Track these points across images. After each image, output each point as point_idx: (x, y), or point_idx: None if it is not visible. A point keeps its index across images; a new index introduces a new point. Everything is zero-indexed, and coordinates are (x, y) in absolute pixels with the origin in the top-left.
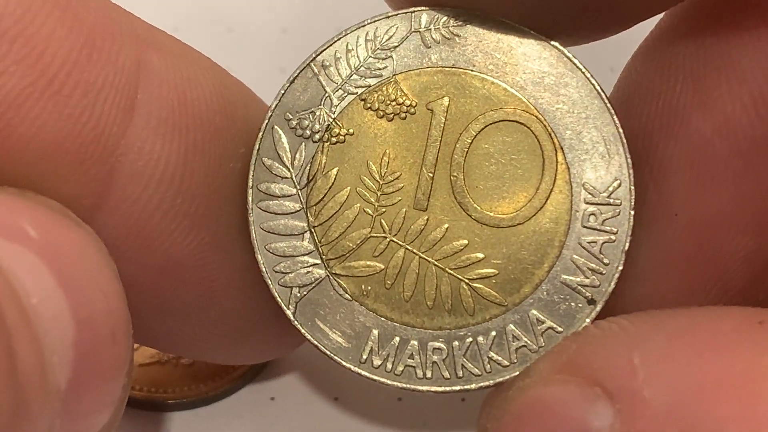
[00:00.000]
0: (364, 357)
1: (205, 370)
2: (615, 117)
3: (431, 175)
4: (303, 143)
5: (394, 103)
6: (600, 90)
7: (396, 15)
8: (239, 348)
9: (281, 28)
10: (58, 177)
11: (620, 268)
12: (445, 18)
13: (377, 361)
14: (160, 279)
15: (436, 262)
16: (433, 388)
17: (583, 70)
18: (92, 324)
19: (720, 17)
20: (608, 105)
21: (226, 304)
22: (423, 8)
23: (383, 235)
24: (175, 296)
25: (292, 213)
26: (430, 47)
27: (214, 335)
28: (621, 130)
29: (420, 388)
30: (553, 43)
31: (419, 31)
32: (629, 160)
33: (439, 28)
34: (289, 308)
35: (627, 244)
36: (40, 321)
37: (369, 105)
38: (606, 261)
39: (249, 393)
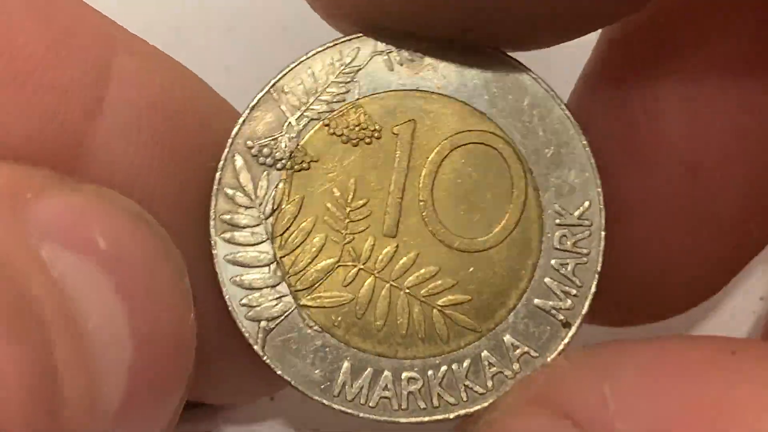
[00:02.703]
0: (337, 390)
1: None
2: (582, 137)
3: (399, 200)
4: (266, 171)
5: (358, 128)
6: (565, 109)
7: (358, 37)
8: (216, 388)
9: (281, 27)
10: None
11: (593, 289)
12: (410, 40)
13: (351, 394)
14: None
15: (407, 290)
16: (410, 420)
17: (547, 88)
18: (153, 343)
19: None
20: (574, 124)
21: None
22: (387, 31)
23: (352, 263)
24: None
25: (257, 243)
26: (393, 70)
27: None
28: (589, 150)
29: (397, 420)
30: (518, 62)
31: (382, 53)
32: (598, 180)
33: (403, 50)
34: (257, 342)
35: (599, 265)
36: (96, 347)
37: (333, 130)
38: (579, 283)
39: None
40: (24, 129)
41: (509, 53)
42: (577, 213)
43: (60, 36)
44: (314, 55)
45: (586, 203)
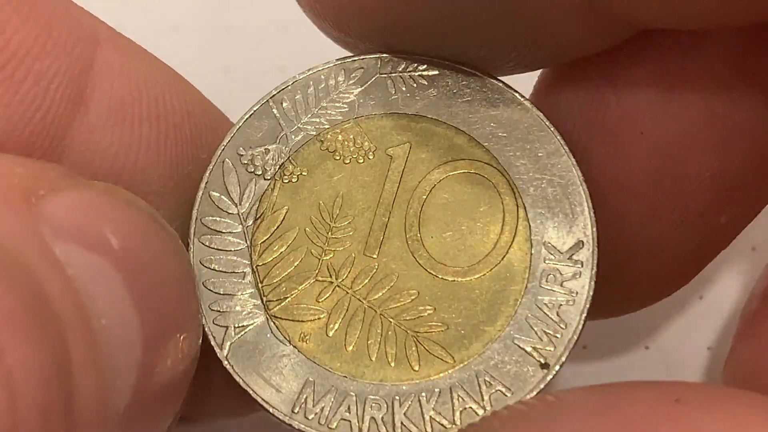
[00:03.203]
0: (297, 408)
1: None
2: (580, 175)
3: (385, 220)
4: (254, 180)
5: (352, 145)
6: (565, 148)
7: (362, 58)
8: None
9: (281, 26)
10: None
11: (578, 332)
12: (413, 64)
13: (311, 413)
14: None
15: (382, 312)
16: None
17: (548, 124)
18: (161, 342)
19: None
20: (573, 162)
21: None
22: (391, 55)
23: (329, 279)
24: None
25: (235, 250)
26: (393, 92)
27: None
28: (586, 189)
29: None
30: (522, 97)
31: (384, 75)
32: (593, 220)
33: (405, 73)
34: (222, 348)
35: (586, 308)
36: (107, 345)
37: (326, 146)
38: (563, 324)
39: None
40: (12, 118)
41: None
42: (568, 252)
43: (43, 28)
44: (316, 72)
45: (579, 244)
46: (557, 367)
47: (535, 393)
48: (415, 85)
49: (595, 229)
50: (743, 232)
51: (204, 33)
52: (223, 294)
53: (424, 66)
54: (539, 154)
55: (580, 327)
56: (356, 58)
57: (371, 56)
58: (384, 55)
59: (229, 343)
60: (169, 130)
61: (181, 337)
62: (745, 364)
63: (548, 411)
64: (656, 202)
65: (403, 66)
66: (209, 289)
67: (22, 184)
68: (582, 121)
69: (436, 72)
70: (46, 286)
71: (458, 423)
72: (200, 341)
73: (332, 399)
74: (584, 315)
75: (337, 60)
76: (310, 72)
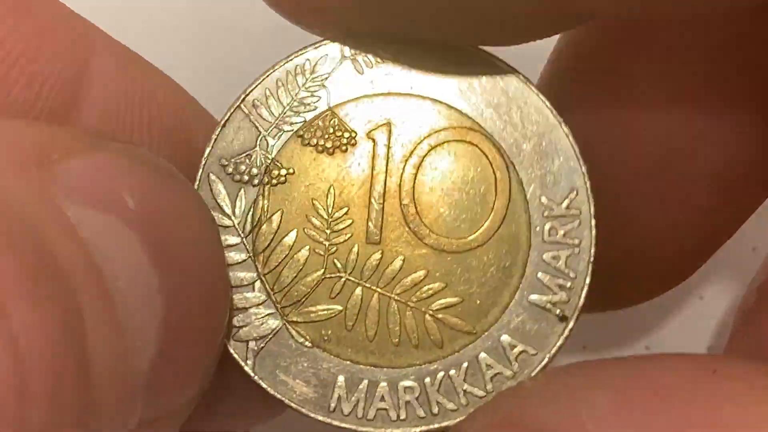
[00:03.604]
0: (333, 405)
1: None
2: (564, 126)
3: (381, 206)
4: (242, 188)
5: (333, 135)
6: (545, 100)
7: (325, 43)
8: (212, 413)
9: (281, 26)
10: None
11: (588, 280)
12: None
13: (347, 408)
14: None
15: (396, 297)
16: (410, 430)
17: (523, 79)
18: (184, 299)
19: None
20: (555, 114)
21: None
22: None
23: (338, 274)
24: None
25: (239, 263)
26: (363, 73)
27: None
28: (572, 139)
29: (395, 431)
30: (491, 54)
31: (351, 58)
32: (584, 168)
33: (371, 53)
34: (247, 363)
35: (592, 255)
36: (125, 306)
37: (307, 141)
38: (572, 274)
39: None
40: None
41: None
42: (564, 203)
43: (39, 31)
44: (281, 65)
45: (573, 192)
46: (575, 318)
47: (557, 347)
48: (381, 61)
49: (586, 176)
50: (744, 232)
51: (204, 33)
52: (236, 309)
53: (393, 44)
54: (521, 112)
55: (589, 274)
56: (318, 44)
57: (341, 41)
58: (354, 35)
59: (252, 357)
60: (162, 135)
61: (208, 295)
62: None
63: (584, 381)
64: (658, 197)
65: (371, 46)
66: None
67: (34, 148)
68: (583, 120)
69: (405, 48)
70: (56, 249)
71: (491, 390)
72: (230, 300)
73: (365, 391)
74: (591, 261)
75: (299, 50)
76: (274, 68)
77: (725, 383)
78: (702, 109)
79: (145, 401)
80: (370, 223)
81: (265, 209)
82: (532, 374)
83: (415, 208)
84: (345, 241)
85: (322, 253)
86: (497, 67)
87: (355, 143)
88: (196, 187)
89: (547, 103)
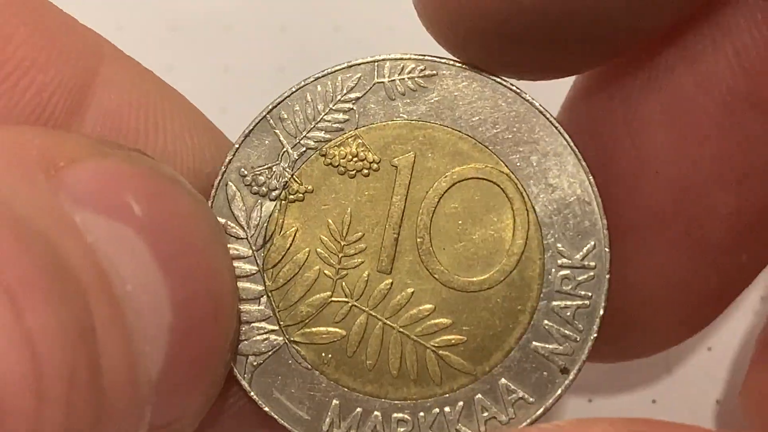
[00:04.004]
0: (325, 429)
1: None
2: (590, 176)
3: (396, 236)
4: (259, 201)
5: (356, 158)
6: (573, 146)
7: (359, 64)
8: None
9: (280, 26)
10: None
11: (594, 335)
12: (411, 67)
13: None
14: None
15: (400, 329)
16: None
17: (556, 125)
18: (192, 306)
19: None
20: (583, 163)
21: None
22: (387, 57)
23: (344, 299)
24: None
25: (247, 276)
26: (394, 99)
27: None
28: (596, 190)
29: None
30: (525, 95)
31: (383, 82)
32: (604, 221)
33: (404, 78)
34: (244, 377)
35: (602, 310)
36: (133, 310)
37: (330, 161)
38: (580, 327)
39: None
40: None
41: (512, 83)
42: (580, 255)
43: (49, 40)
44: (312, 82)
45: (591, 244)
46: (576, 371)
47: (555, 398)
48: (414, 89)
49: (606, 230)
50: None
51: (204, 33)
52: (240, 322)
53: (422, 67)
54: (546, 156)
55: (596, 330)
56: (352, 64)
57: (366, 61)
58: (380, 58)
59: (250, 372)
60: (167, 144)
61: (216, 301)
62: (761, 388)
63: None
64: (674, 242)
65: (399, 70)
66: None
67: (41, 154)
68: (597, 162)
69: (434, 72)
70: (65, 253)
71: None
72: (237, 314)
73: (358, 419)
74: (600, 317)
75: (332, 68)
76: (306, 82)
77: None
78: (714, 150)
79: (155, 408)
80: (382, 252)
81: (280, 225)
82: (527, 422)
83: (430, 241)
84: (356, 266)
85: (332, 276)
86: (530, 108)
87: (378, 169)
88: (212, 194)
89: (577, 151)
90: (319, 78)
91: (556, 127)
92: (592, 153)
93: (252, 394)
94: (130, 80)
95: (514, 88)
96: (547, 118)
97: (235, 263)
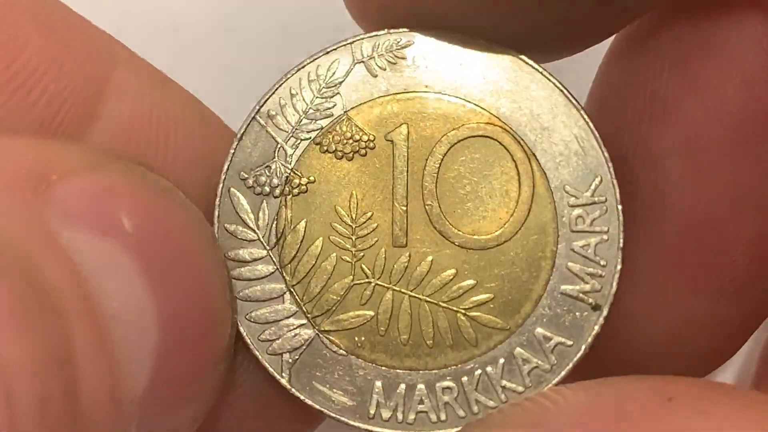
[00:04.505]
0: (372, 412)
1: None
2: (582, 112)
3: (404, 208)
4: (264, 201)
5: (351, 140)
6: (562, 87)
7: (335, 48)
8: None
9: (280, 26)
10: None
11: (619, 267)
12: (387, 42)
13: (386, 414)
14: None
15: (427, 298)
16: (450, 431)
17: (540, 69)
18: (181, 322)
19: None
20: (573, 101)
21: None
22: (363, 36)
23: (367, 280)
24: None
25: (266, 276)
26: (377, 76)
27: None
28: (591, 125)
29: None
30: (500, 46)
31: (363, 61)
32: (606, 154)
33: (382, 54)
34: (282, 376)
35: (621, 241)
36: (118, 330)
37: (325, 148)
38: (603, 262)
39: None
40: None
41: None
42: (589, 191)
43: (63, 49)
44: (294, 73)
45: (597, 179)
46: (608, 306)
47: (594, 336)
48: (394, 62)
49: (610, 162)
50: None
51: (204, 33)
52: (267, 323)
53: (397, 39)
54: (536, 102)
55: (620, 261)
56: (330, 48)
57: (343, 44)
58: (355, 39)
59: (288, 370)
60: (181, 151)
61: (208, 317)
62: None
63: (538, 411)
64: (695, 274)
65: (376, 46)
66: (253, 322)
67: (32, 169)
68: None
69: (410, 41)
70: (46, 276)
71: (530, 384)
72: (233, 325)
73: (403, 395)
74: (621, 247)
75: (311, 57)
76: (288, 76)
77: (680, 412)
78: (730, 178)
79: (142, 423)
80: (395, 226)
81: (289, 220)
82: (570, 366)
83: (439, 207)
84: (371, 246)
85: (349, 259)
86: (511, 59)
87: (374, 146)
88: (217, 203)
89: (566, 91)
90: (299, 69)
91: (540, 72)
92: (622, 192)
93: (293, 390)
94: (142, 86)
95: (491, 43)
96: (530, 65)
97: (253, 266)
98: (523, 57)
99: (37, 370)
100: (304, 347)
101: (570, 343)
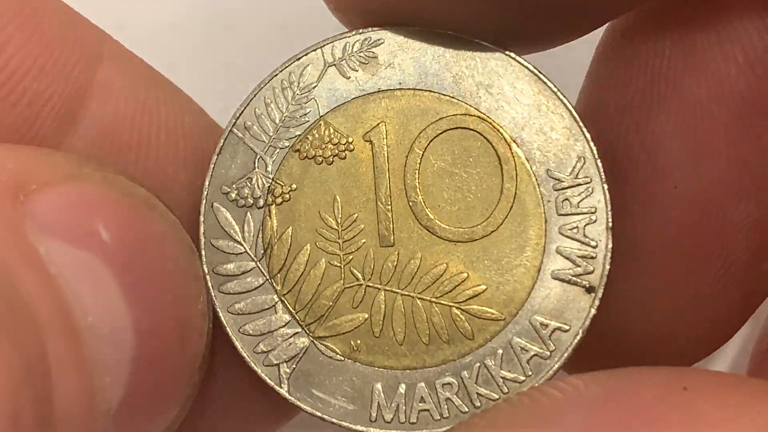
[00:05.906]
0: (374, 414)
1: None
2: (561, 95)
3: (389, 207)
4: (248, 213)
5: (329, 144)
6: (538, 72)
7: (306, 54)
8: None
9: (279, 25)
10: None
11: (609, 245)
12: (356, 41)
13: (388, 415)
14: None
15: (420, 295)
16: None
17: (514, 56)
18: (158, 334)
19: None
20: (550, 84)
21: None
22: (333, 38)
23: (357, 283)
24: None
25: (257, 288)
26: (350, 77)
27: None
28: (571, 107)
29: (440, 431)
30: (472, 38)
31: (335, 64)
32: (587, 134)
33: (353, 54)
34: (281, 387)
35: (610, 219)
36: (94, 342)
37: (305, 154)
38: (593, 243)
39: None
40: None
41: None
42: (572, 173)
43: (45, 48)
44: (267, 82)
45: (581, 161)
46: (602, 287)
47: (590, 319)
48: (366, 62)
49: (591, 142)
50: None
51: (204, 32)
52: (262, 334)
53: (367, 38)
54: (513, 89)
55: (610, 239)
56: (299, 56)
57: (312, 49)
58: (324, 42)
59: (286, 380)
60: (163, 154)
61: (184, 326)
62: None
63: (555, 403)
64: (697, 256)
65: (346, 47)
66: (248, 334)
67: (11, 179)
68: (612, 179)
69: (380, 39)
70: (22, 288)
71: (530, 373)
72: (208, 335)
73: (404, 395)
74: (609, 226)
75: (282, 66)
76: (261, 86)
77: (695, 401)
78: (732, 159)
79: None
80: (380, 226)
81: (275, 230)
82: (570, 351)
83: (424, 202)
84: (359, 248)
85: (338, 263)
86: (482, 48)
87: (353, 148)
88: (201, 219)
89: (541, 75)
90: (272, 78)
91: (515, 60)
92: (607, 171)
93: (293, 400)
94: (128, 84)
95: (461, 35)
96: (504, 54)
97: (242, 279)
98: (497, 48)
99: (7, 383)
100: (300, 355)
101: (567, 327)
